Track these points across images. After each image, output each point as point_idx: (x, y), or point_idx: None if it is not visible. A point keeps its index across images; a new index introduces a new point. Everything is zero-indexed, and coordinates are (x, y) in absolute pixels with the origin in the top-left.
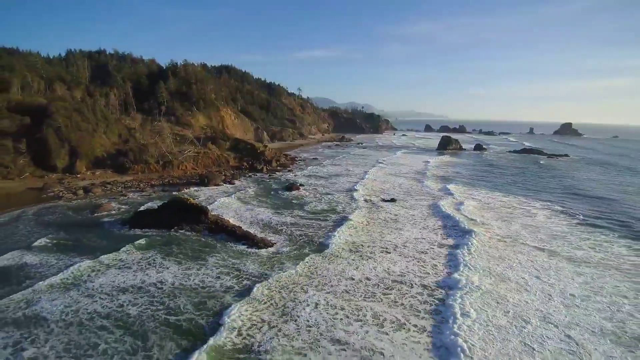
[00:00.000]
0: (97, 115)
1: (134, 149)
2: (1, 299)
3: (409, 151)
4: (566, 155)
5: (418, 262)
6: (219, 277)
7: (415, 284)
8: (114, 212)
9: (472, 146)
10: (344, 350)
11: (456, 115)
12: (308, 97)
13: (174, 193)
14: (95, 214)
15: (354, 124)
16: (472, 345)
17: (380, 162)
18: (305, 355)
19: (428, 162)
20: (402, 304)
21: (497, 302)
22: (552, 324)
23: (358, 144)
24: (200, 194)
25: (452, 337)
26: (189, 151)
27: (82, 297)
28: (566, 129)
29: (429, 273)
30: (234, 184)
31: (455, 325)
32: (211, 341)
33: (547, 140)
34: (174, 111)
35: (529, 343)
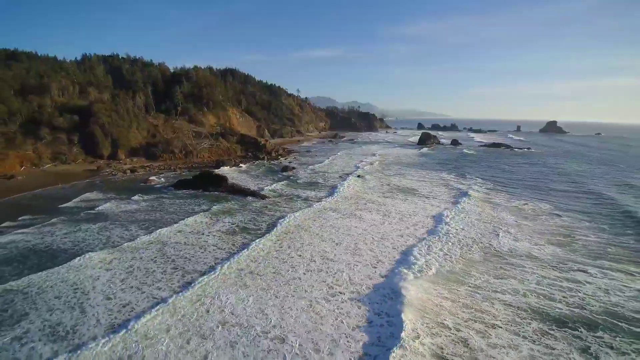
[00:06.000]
0: (130, 115)
1: (162, 141)
2: (130, 209)
3: (380, 146)
4: (528, 148)
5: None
6: (242, 207)
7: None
8: (159, 181)
9: (450, 141)
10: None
11: (458, 114)
12: (307, 97)
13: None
14: (146, 183)
15: (350, 122)
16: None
17: (338, 153)
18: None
19: (375, 153)
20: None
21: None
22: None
23: (349, 140)
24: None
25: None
26: (205, 144)
27: (166, 214)
28: (551, 127)
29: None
30: (241, 167)
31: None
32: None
33: (519, 137)
34: (188, 111)
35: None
